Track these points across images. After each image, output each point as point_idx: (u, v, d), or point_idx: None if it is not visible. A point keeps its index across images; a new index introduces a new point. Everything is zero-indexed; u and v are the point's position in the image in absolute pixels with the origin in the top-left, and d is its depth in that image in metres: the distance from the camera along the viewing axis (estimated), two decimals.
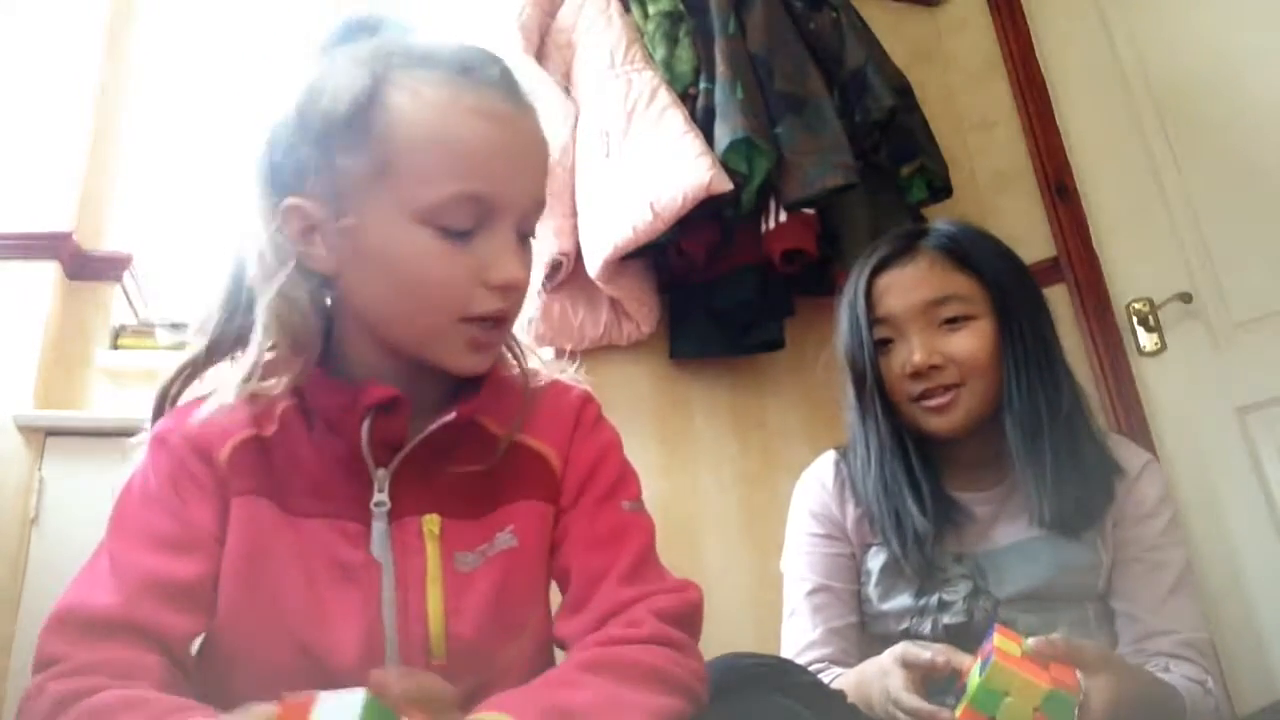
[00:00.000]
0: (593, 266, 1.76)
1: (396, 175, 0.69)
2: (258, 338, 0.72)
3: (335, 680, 0.61)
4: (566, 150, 1.85)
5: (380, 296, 0.72)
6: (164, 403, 0.79)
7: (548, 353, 1.72)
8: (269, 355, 0.73)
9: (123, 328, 1.75)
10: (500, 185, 0.70)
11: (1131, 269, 2.08)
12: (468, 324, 0.71)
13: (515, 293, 0.73)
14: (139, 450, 0.77)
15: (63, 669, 0.64)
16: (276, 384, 0.72)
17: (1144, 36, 2.12)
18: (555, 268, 1.80)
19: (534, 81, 0.77)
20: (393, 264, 0.70)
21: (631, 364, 1.92)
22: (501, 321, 0.73)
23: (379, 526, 0.73)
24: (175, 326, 1.73)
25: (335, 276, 0.73)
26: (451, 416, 0.73)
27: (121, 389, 1.67)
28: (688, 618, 0.74)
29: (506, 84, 0.73)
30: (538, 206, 0.75)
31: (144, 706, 0.60)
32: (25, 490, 1.51)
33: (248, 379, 0.72)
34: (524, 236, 0.75)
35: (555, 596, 0.81)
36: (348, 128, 0.69)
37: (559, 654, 0.79)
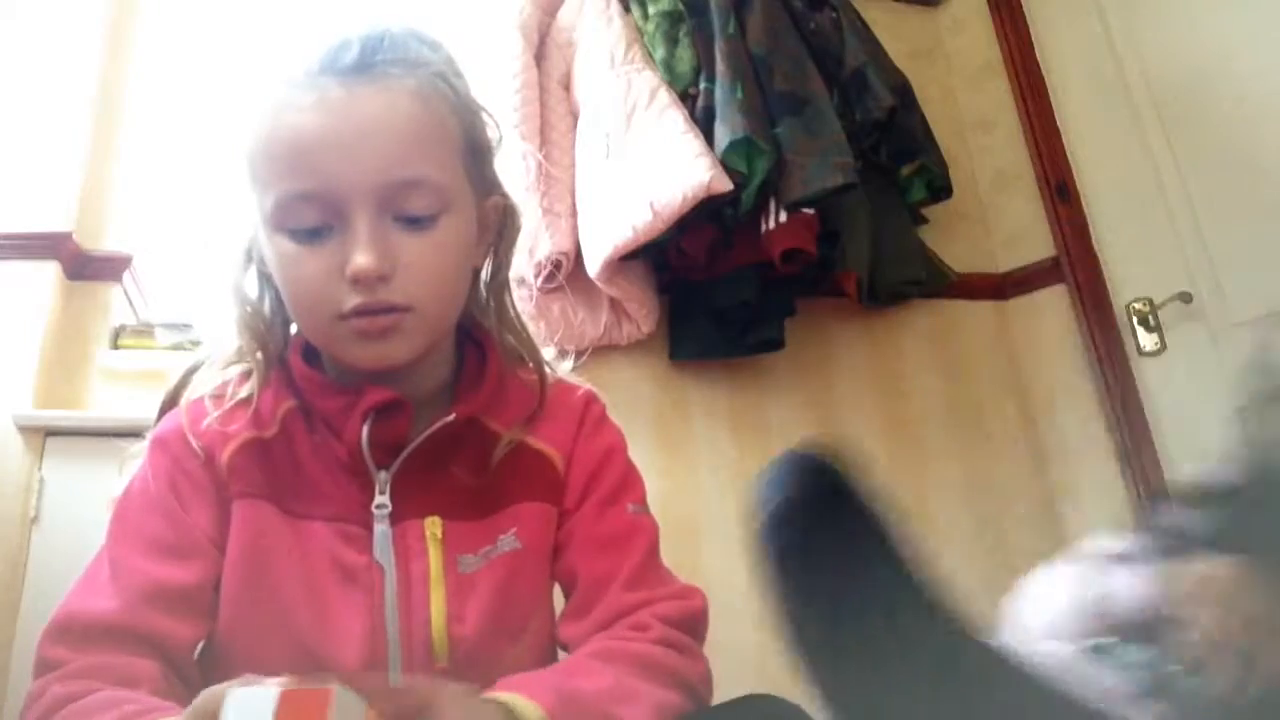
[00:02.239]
0: (592, 266, 1.75)
1: (254, 190, 0.71)
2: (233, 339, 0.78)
3: None
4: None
5: (289, 307, 0.75)
6: (168, 408, 0.80)
7: (548, 352, 1.72)
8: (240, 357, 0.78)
9: (123, 328, 1.74)
10: (332, 175, 0.67)
11: (1131, 269, 2.08)
12: (345, 320, 0.68)
13: (375, 281, 0.67)
14: (137, 459, 0.77)
15: (65, 672, 0.64)
16: (250, 384, 0.76)
17: (1144, 36, 2.12)
18: (555, 267, 1.79)
19: (423, 48, 0.73)
20: (277, 276, 0.72)
21: (631, 365, 1.92)
22: (386, 310, 0.68)
23: (380, 529, 0.73)
24: (175, 327, 1.73)
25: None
26: (451, 418, 0.73)
27: (121, 389, 1.67)
28: (691, 624, 0.74)
29: (355, 67, 0.69)
30: (400, 186, 0.68)
31: (119, 705, 0.60)
32: (25, 490, 1.51)
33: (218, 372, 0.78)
34: (409, 219, 0.69)
35: (558, 597, 0.81)
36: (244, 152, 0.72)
37: (562, 656, 0.79)
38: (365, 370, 0.72)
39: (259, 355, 0.77)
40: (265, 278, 0.77)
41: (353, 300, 0.67)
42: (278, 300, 0.77)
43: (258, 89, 0.72)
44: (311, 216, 0.68)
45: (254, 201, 0.72)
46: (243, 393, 0.76)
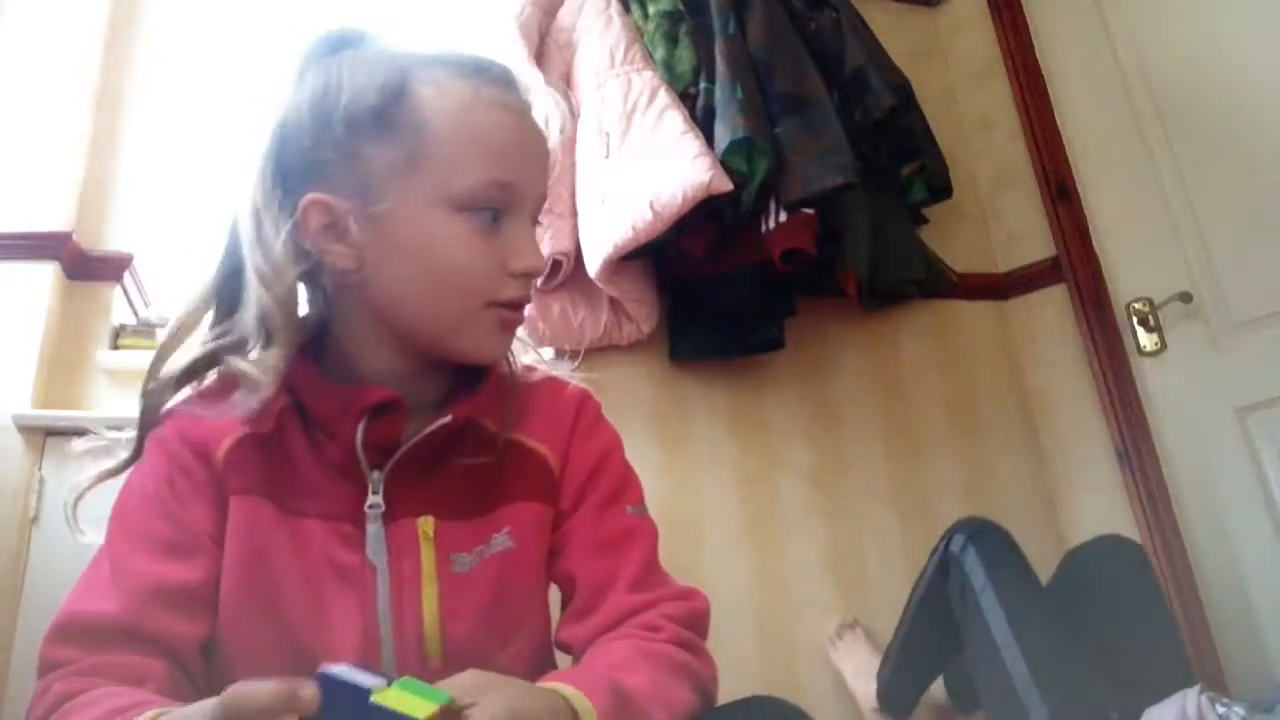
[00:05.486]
0: (593, 266, 1.75)
1: (428, 164, 0.70)
2: (251, 335, 0.71)
3: None
4: (560, 152, 1.84)
5: (409, 286, 0.72)
6: (152, 399, 0.77)
7: (547, 353, 1.72)
8: (260, 352, 0.72)
9: (123, 328, 1.74)
10: (520, 174, 0.73)
11: (1131, 269, 2.08)
12: (494, 309, 0.73)
13: (533, 280, 0.75)
14: (123, 445, 0.76)
15: (68, 670, 0.64)
16: (268, 382, 0.71)
17: (1144, 36, 2.12)
18: (555, 267, 1.79)
19: (531, 80, 0.79)
20: (425, 252, 0.71)
21: (631, 364, 1.92)
22: (522, 306, 0.75)
23: (373, 529, 0.73)
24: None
25: (353, 272, 0.72)
26: (447, 419, 0.73)
27: (121, 389, 1.67)
28: (696, 624, 0.75)
29: (512, 81, 0.76)
30: (544, 198, 0.78)
31: (110, 699, 0.60)
32: (25, 490, 1.51)
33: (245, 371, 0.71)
34: (534, 225, 0.77)
35: (555, 598, 0.81)
36: (375, 121, 0.70)
37: (563, 658, 0.79)
38: (485, 361, 0.76)
39: (280, 354, 0.71)
40: (308, 275, 0.73)
41: (510, 292, 0.73)
42: (318, 292, 0.76)
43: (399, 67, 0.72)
44: (498, 205, 0.72)
45: (412, 178, 0.69)
46: (253, 402, 0.70)
